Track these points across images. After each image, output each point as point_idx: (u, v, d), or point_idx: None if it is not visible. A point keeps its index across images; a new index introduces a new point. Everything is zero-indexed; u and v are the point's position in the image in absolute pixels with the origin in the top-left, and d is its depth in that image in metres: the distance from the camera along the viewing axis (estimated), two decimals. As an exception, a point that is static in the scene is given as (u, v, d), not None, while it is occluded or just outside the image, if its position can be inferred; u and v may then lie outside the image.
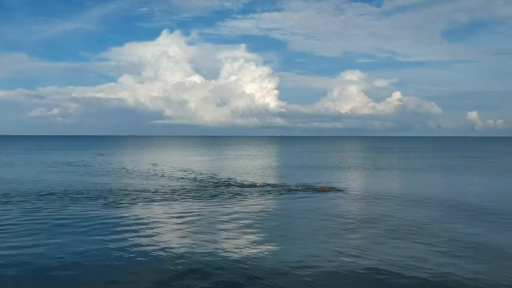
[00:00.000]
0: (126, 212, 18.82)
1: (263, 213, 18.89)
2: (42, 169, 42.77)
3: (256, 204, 21.39)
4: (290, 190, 25.93)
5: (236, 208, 19.90)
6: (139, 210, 19.50)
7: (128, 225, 16.22)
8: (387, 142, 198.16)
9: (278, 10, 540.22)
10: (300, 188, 26.87)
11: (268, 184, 28.70)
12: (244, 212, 19.04)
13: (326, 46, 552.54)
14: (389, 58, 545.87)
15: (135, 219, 17.26)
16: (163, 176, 35.53)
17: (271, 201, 22.83)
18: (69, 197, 22.99)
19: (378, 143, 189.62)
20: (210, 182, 30.51)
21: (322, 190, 26.01)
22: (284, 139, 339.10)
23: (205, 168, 42.71)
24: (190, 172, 38.33)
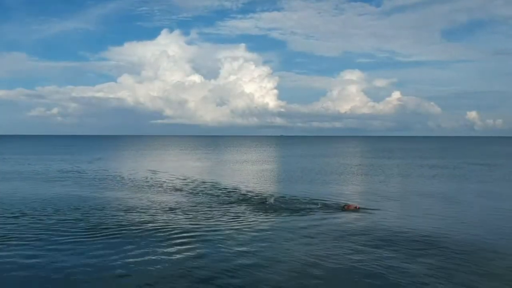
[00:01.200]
0: (101, 247, 15.26)
1: (273, 259, 15.46)
2: (29, 177, 40.07)
3: (263, 235, 18.10)
4: (299, 210, 22.72)
5: (239, 247, 16.61)
6: (119, 245, 15.77)
7: (104, 268, 12.99)
8: (387, 143, 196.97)
9: (278, 9, 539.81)
10: (315, 206, 23.75)
11: (276, 201, 25.15)
12: (246, 252, 15.39)
13: (326, 46, 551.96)
14: (389, 58, 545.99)
15: (109, 261, 13.87)
16: (160, 187, 33.12)
17: (283, 230, 19.09)
18: (43, 219, 19.83)
19: (379, 143, 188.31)
20: (208, 197, 27.60)
21: (347, 208, 22.70)
22: (283, 139, 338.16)
23: (204, 178, 39.88)
24: (189, 182, 35.96)
